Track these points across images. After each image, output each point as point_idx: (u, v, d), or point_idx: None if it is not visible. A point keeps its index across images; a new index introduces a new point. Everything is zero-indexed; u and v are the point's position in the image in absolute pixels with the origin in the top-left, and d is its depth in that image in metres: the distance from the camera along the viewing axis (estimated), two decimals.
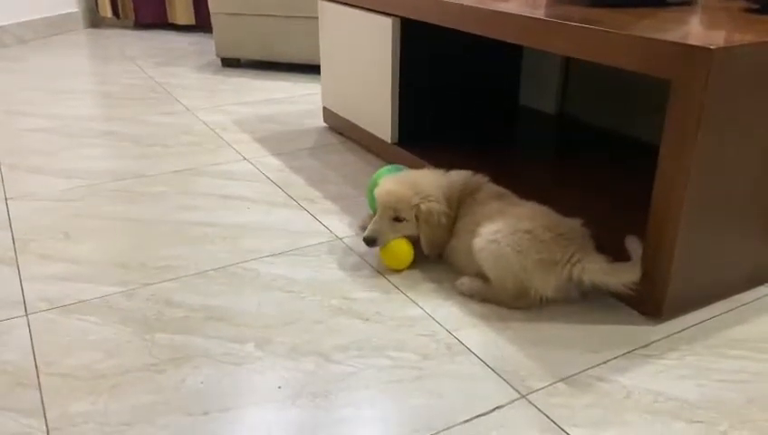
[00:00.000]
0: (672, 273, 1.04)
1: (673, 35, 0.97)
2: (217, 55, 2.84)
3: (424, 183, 1.23)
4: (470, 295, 1.14)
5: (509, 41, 1.22)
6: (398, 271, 1.23)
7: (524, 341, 1.03)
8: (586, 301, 1.12)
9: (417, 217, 1.20)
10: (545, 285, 1.08)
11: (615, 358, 0.99)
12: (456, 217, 1.22)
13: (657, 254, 1.04)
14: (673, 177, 0.99)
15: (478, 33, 1.29)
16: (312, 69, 2.73)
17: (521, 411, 0.88)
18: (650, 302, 1.08)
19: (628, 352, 1.00)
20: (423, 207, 1.20)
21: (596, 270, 1.05)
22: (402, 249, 1.22)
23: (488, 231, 1.12)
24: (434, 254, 1.24)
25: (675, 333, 1.05)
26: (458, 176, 1.28)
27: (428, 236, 1.21)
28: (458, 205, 1.23)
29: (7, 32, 3.17)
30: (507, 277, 1.09)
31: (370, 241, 1.21)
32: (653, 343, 1.02)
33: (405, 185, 1.23)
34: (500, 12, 1.22)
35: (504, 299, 1.11)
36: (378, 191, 1.23)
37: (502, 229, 1.10)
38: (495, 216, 1.15)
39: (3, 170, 1.69)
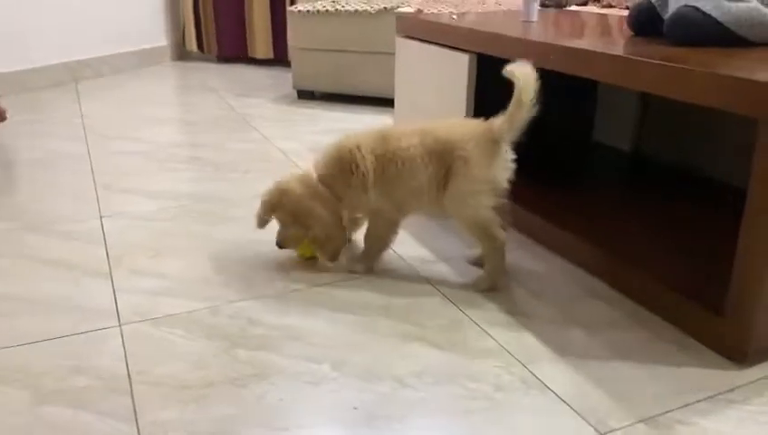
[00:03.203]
0: (758, 317, 1.00)
1: (762, 75, 0.96)
2: (294, 87, 2.96)
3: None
4: (489, 289, 1.26)
5: (591, 78, 1.23)
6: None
7: (603, 378, 1.01)
8: (665, 341, 1.10)
9: None
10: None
11: (697, 401, 0.96)
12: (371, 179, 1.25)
13: (743, 297, 1.01)
14: (761, 218, 0.97)
15: (559, 70, 1.30)
16: (381, 101, 2.80)
17: None
18: (735, 345, 1.04)
19: (711, 396, 0.97)
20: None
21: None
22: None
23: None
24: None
25: (760, 379, 1.01)
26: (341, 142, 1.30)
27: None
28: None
29: (105, 62, 3.41)
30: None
31: None
32: (737, 387, 0.99)
33: None
34: (581, 49, 1.24)
35: (496, 265, 1.26)
36: None
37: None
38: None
39: (98, 190, 1.81)
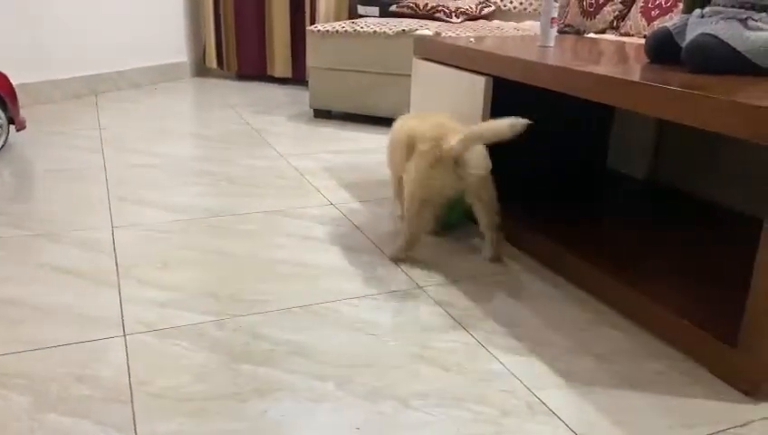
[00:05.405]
0: None
1: None
2: (310, 106, 2.98)
3: None
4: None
5: (607, 103, 1.22)
6: None
7: (612, 407, 0.99)
8: (677, 372, 1.07)
9: None
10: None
11: (710, 434, 0.93)
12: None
13: (757, 329, 0.99)
14: None
15: (575, 95, 1.30)
16: None
17: None
18: (749, 378, 1.02)
19: (723, 430, 0.95)
20: None
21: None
22: None
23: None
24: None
25: None
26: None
27: None
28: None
29: (124, 77, 3.47)
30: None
31: None
32: (751, 422, 0.96)
33: None
34: (598, 74, 1.23)
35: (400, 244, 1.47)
36: None
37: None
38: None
39: (112, 201, 1.82)
